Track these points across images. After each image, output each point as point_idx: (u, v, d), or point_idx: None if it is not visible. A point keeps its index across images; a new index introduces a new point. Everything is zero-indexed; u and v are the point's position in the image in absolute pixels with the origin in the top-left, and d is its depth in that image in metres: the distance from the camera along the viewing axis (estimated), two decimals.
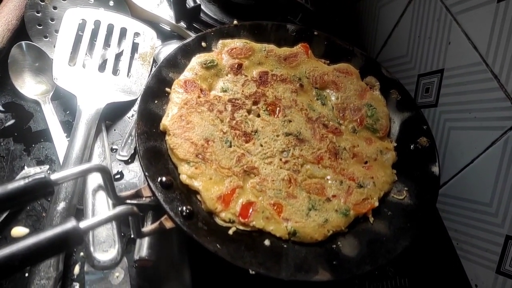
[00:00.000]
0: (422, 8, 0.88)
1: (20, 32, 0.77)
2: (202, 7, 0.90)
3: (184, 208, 0.52)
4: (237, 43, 0.73)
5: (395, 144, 0.69)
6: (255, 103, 0.67)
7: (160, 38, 0.85)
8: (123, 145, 0.70)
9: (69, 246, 0.35)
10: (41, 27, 0.78)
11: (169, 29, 0.88)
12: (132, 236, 0.61)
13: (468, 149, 0.76)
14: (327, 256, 0.54)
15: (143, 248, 0.57)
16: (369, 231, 0.59)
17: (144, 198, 0.53)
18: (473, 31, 0.73)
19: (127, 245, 0.61)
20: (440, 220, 0.81)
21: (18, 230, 0.60)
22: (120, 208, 0.40)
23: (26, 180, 0.36)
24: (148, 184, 0.53)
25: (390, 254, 0.55)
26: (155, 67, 0.82)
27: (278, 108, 0.67)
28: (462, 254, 0.78)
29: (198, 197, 0.56)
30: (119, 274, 0.57)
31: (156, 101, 0.63)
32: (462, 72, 0.77)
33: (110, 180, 0.44)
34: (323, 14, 0.96)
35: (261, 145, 0.63)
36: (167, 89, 0.65)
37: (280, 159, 0.62)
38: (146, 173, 0.53)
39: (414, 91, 0.88)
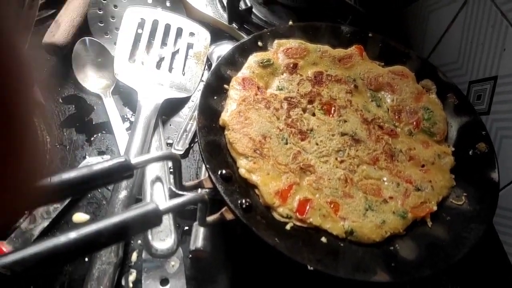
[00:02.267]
0: (475, 13, 0.86)
1: (83, 28, 0.80)
2: (253, 9, 0.92)
3: (244, 201, 0.53)
4: (292, 43, 0.73)
5: (453, 149, 0.68)
6: (310, 102, 0.68)
7: (212, 38, 0.87)
8: (178, 140, 0.72)
9: (149, 226, 0.36)
10: (102, 25, 0.82)
11: (222, 30, 0.90)
12: (186, 227, 0.63)
13: None
14: (385, 258, 0.54)
15: (198, 239, 0.58)
16: (427, 235, 0.57)
17: (205, 189, 0.54)
18: None
19: (182, 236, 0.62)
20: (495, 232, 0.78)
21: (79, 216, 0.62)
22: (193, 195, 0.41)
23: (110, 163, 0.38)
24: (209, 176, 0.54)
25: (450, 259, 0.54)
26: (208, 66, 0.85)
27: (333, 108, 0.67)
28: None
29: (256, 191, 0.57)
30: (174, 264, 0.59)
31: (215, 97, 0.64)
32: None
33: (179, 169, 0.45)
34: (372, 17, 0.96)
35: (317, 144, 0.63)
36: (225, 85, 0.66)
37: (336, 159, 0.62)
38: (208, 166, 0.55)
39: None
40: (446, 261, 0.54)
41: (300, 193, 0.57)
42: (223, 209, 0.52)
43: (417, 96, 0.71)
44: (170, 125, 0.75)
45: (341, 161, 0.62)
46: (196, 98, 0.79)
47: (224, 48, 0.83)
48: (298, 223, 0.55)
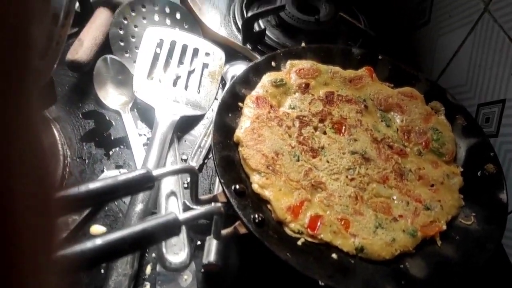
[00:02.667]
0: (483, 38, 0.88)
1: (104, 47, 0.84)
2: (267, 31, 0.95)
3: (256, 215, 0.55)
4: (304, 64, 0.76)
5: (462, 169, 0.69)
6: (322, 121, 0.70)
7: (227, 58, 0.90)
8: (192, 155, 0.74)
9: (169, 235, 0.38)
10: (122, 44, 0.86)
11: (236, 50, 0.93)
12: (199, 242, 0.64)
13: None
14: (395, 275, 0.54)
15: (211, 253, 0.59)
16: (436, 254, 0.58)
17: (218, 203, 0.55)
18: None
19: (195, 250, 0.63)
20: (505, 254, 0.77)
21: (96, 228, 0.64)
22: (210, 207, 0.43)
23: (133, 174, 0.40)
24: (223, 191, 0.56)
25: (459, 278, 0.55)
26: (222, 85, 0.88)
27: (343, 127, 0.69)
28: None
29: (268, 206, 0.58)
30: (187, 277, 0.60)
31: (230, 115, 0.67)
32: None
33: (196, 182, 0.47)
34: (383, 40, 0.99)
35: (328, 162, 0.65)
36: (240, 103, 0.69)
37: (346, 176, 0.63)
38: (222, 180, 0.56)
39: None
40: (455, 281, 0.54)
41: (311, 209, 0.58)
42: (237, 223, 0.54)
43: (426, 117, 0.73)
44: (185, 141, 0.77)
45: (352, 179, 0.63)
46: (210, 116, 0.81)
47: (238, 68, 0.87)
48: (309, 239, 0.56)
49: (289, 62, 0.77)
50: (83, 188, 0.37)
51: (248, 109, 0.67)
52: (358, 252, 0.56)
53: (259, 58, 0.79)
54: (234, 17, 1.01)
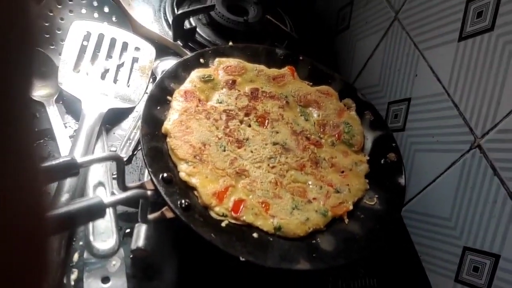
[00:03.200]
0: (393, 43, 1.00)
1: None
2: (198, 29, 0.99)
3: (183, 201, 0.58)
4: (232, 61, 0.81)
5: (368, 158, 0.79)
6: (247, 114, 0.75)
7: (158, 54, 0.92)
8: (121, 147, 0.75)
9: (94, 217, 0.40)
10: (48, 36, 0.84)
11: (167, 46, 0.95)
12: (128, 230, 0.66)
13: (431, 169, 0.85)
14: (308, 250, 0.61)
15: (140, 239, 0.62)
16: (344, 231, 0.66)
17: (147, 191, 0.58)
18: (437, 65, 0.84)
19: (124, 237, 0.65)
20: (408, 234, 0.89)
21: None
22: (136, 191, 0.46)
23: (57, 161, 0.41)
24: (151, 179, 0.59)
25: (363, 251, 0.63)
26: (152, 79, 0.89)
27: (267, 121, 0.76)
28: (426, 266, 0.86)
29: (195, 192, 0.62)
30: (115, 263, 0.61)
31: (158, 107, 0.69)
32: (427, 101, 0.88)
33: (123, 170, 0.49)
34: (306, 43, 1.07)
35: (252, 151, 0.70)
36: (168, 97, 0.72)
37: (268, 165, 0.69)
38: (150, 169, 0.59)
39: (384, 117, 0.99)
40: (359, 253, 0.63)
41: (235, 194, 0.63)
42: (164, 208, 0.57)
43: (339, 112, 0.82)
44: (114, 133, 0.78)
45: (273, 167, 0.69)
46: (140, 109, 0.83)
47: (169, 63, 0.89)
48: (232, 221, 0.61)
49: (217, 59, 0.81)
50: None
51: (177, 102, 0.70)
52: (276, 231, 0.62)
53: (189, 54, 0.82)
54: (165, 13, 1.03)
